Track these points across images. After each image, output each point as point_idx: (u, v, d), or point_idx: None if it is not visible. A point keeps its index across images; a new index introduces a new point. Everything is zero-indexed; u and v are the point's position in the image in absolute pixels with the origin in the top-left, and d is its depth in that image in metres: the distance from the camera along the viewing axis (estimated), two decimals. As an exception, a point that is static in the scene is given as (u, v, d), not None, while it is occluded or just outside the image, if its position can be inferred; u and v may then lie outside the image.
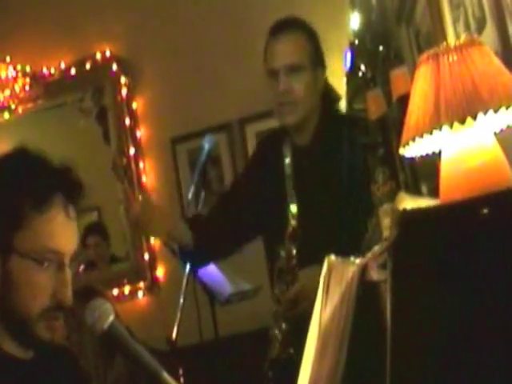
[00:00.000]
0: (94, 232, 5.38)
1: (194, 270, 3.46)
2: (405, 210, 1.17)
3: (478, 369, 1.18)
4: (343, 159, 2.87)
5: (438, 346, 1.19)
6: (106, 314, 1.97)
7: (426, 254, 1.22)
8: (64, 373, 2.04)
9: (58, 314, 1.88)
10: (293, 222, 2.91)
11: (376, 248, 1.33)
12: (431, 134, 1.51)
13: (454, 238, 1.23)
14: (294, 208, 2.94)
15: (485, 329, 1.19)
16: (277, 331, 2.92)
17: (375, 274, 1.34)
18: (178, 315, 3.36)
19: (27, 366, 1.92)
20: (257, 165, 3.24)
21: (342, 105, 3.65)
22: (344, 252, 1.59)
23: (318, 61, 3.03)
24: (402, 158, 2.15)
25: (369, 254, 1.38)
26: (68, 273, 1.89)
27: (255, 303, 4.40)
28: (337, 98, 3.18)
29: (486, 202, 1.27)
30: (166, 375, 1.98)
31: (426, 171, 2.27)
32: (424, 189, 2.47)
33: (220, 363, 4.13)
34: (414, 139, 1.55)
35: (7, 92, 5.87)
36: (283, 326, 2.89)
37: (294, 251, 2.90)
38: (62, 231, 1.88)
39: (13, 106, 5.87)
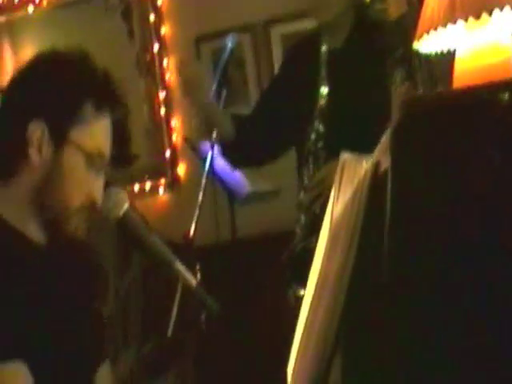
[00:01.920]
0: None
1: (213, 168, 3.48)
2: (409, 96, 1.11)
3: (476, 257, 1.14)
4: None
5: (437, 237, 1.15)
6: (121, 202, 2.02)
7: (432, 143, 1.14)
8: (78, 264, 2.10)
9: (85, 213, 1.95)
10: (322, 101, 2.94)
11: (383, 139, 1.32)
12: (445, 27, 1.49)
13: (466, 124, 1.13)
14: (324, 90, 2.95)
15: (491, 220, 1.14)
16: (300, 222, 2.99)
17: (385, 164, 1.31)
18: (197, 212, 3.39)
19: (44, 250, 1.97)
20: (293, 65, 3.39)
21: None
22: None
23: None
24: (420, 58, 2.15)
25: (378, 146, 1.37)
26: (103, 176, 1.98)
27: (275, 206, 4.42)
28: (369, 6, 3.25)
29: (507, 87, 1.11)
30: (178, 264, 2.03)
31: (444, 73, 2.26)
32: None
33: (236, 263, 4.18)
34: (428, 32, 1.53)
35: (32, -16, 5.79)
36: (302, 218, 2.96)
37: (322, 129, 2.94)
38: (108, 137, 1.98)
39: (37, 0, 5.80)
